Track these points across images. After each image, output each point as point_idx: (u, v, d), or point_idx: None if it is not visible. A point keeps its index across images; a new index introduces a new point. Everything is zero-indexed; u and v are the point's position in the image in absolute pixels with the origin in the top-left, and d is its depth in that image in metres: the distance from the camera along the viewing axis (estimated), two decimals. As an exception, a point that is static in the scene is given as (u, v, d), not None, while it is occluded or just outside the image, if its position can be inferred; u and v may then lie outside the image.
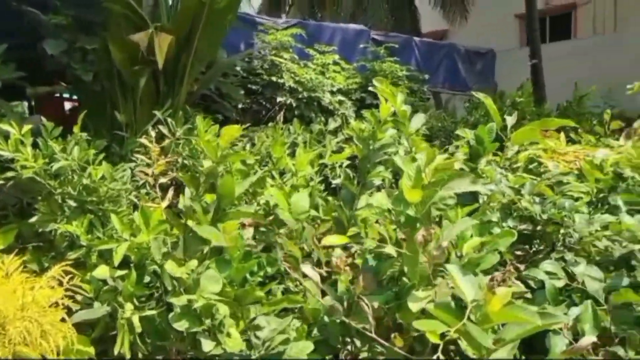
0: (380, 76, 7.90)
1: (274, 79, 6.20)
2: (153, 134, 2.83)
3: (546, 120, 2.56)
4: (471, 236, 1.78)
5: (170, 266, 1.71)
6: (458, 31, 16.31)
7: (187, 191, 2.27)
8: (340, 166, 3.91)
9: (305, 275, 1.49)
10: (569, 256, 1.97)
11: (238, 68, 6.23)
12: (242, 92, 6.02)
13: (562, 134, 3.36)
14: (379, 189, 2.65)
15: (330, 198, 3.11)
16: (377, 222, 1.78)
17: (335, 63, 6.91)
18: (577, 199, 2.71)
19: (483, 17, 16.26)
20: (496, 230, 2.22)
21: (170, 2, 5.01)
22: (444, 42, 12.23)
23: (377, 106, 8.05)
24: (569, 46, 15.26)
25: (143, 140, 2.77)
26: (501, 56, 13.69)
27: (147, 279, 2.23)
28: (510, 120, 2.59)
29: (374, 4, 14.47)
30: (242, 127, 4.30)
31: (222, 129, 2.32)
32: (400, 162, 1.59)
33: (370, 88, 7.44)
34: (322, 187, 3.42)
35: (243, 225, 2.01)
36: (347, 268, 1.48)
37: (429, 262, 1.28)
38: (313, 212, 2.69)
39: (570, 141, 3.86)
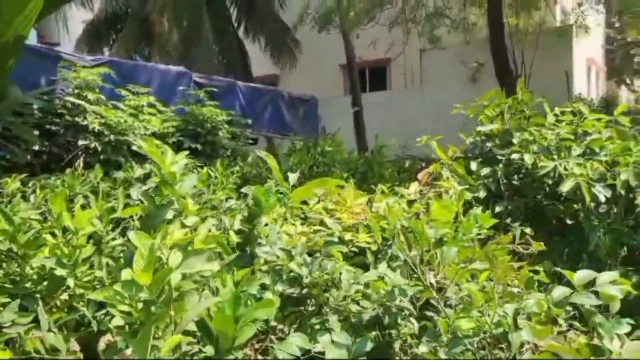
0: (200, 120, 7.66)
1: (77, 119, 5.69)
2: None
3: (323, 180, 2.68)
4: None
5: None
6: (289, 76, 17.01)
7: None
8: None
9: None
10: (333, 318, 2.01)
11: (35, 106, 5.60)
12: (38, 133, 5.41)
13: (351, 186, 3.55)
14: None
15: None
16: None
17: (151, 105, 6.61)
18: (364, 250, 2.84)
19: (312, 65, 17.23)
20: (268, 294, 2.20)
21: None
22: (269, 88, 12.62)
23: (196, 150, 7.74)
24: (384, 96, 16.90)
25: None
26: (329, 102, 14.59)
27: None
28: (292, 178, 2.65)
29: (204, 45, 14.40)
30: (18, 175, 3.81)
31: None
32: (133, 239, 1.47)
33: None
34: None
35: None
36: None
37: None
38: (99, 273, 2.44)
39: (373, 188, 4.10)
